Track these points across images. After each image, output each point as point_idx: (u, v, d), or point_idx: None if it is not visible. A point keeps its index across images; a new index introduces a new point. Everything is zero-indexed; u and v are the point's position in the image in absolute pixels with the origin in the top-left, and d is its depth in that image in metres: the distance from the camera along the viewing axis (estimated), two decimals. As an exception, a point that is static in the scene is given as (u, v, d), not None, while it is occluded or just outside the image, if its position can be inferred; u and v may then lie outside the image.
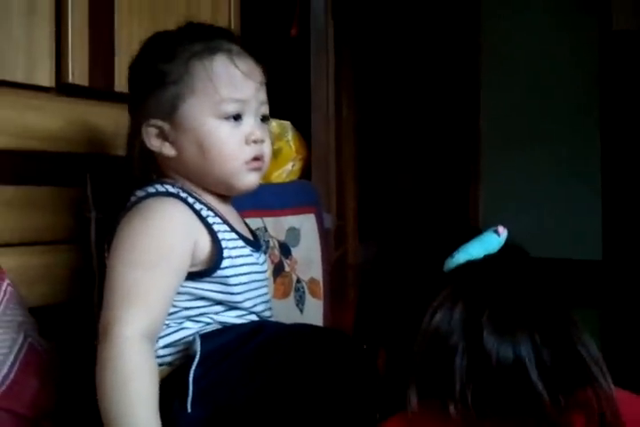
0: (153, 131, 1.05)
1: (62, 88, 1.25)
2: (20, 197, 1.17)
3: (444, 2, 4.14)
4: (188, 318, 1.02)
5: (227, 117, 1.04)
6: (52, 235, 1.21)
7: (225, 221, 1.06)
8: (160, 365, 0.98)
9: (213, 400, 0.95)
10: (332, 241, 2.44)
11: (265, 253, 1.24)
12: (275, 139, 1.62)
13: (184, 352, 1.00)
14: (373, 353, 1.00)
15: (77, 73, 1.25)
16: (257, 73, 1.07)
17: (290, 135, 1.83)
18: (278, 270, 1.60)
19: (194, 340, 0.98)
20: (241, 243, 1.07)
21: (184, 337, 1.01)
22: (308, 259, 1.70)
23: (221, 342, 0.99)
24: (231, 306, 1.04)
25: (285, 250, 1.63)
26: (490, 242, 0.86)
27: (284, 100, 1.43)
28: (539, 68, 3.82)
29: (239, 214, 1.16)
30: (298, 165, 1.84)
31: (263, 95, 1.09)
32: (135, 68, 1.09)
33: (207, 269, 1.02)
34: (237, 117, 1.05)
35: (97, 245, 1.17)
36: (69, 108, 1.26)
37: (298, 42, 2.76)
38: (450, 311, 0.80)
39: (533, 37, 3.83)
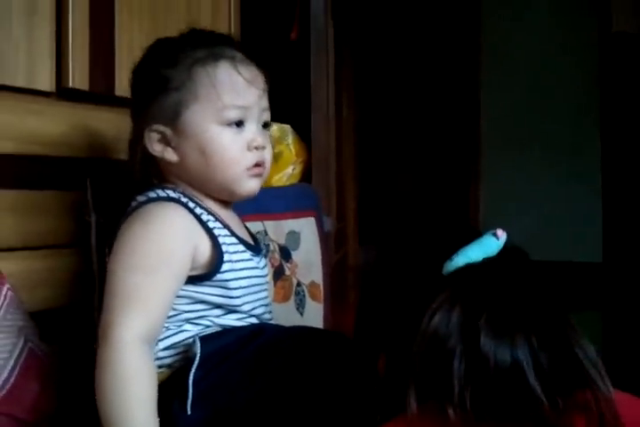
0: (155, 136, 1.05)
1: (63, 92, 1.25)
2: (21, 202, 1.17)
3: (444, 2, 4.14)
4: (188, 321, 1.02)
5: (229, 124, 1.05)
6: (53, 239, 1.22)
7: (225, 226, 1.07)
8: (160, 367, 0.99)
9: (213, 403, 0.96)
10: (332, 244, 2.44)
11: (265, 256, 1.24)
12: (275, 142, 1.63)
13: (184, 354, 1.00)
14: (374, 356, 1.00)
15: (78, 77, 1.25)
16: (259, 80, 1.08)
17: (290, 139, 1.84)
18: (279, 274, 1.60)
19: (194, 342, 0.99)
20: (241, 247, 1.08)
21: (184, 339, 1.01)
22: (309, 262, 1.70)
23: (221, 344, 0.99)
24: (230, 309, 1.04)
25: (286, 254, 1.63)
26: (489, 245, 0.86)
27: (284, 101, 1.43)
28: (539, 68, 3.82)
29: (240, 219, 1.16)
30: (298, 169, 1.84)
31: (265, 102, 1.09)
32: (138, 73, 1.10)
33: (207, 273, 1.02)
34: (240, 124, 1.05)
35: (97, 249, 1.17)
36: (70, 113, 1.26)
37: (297, 42, 2.75)
38: (448, 314, 0.80)
39: (533, 37, 3.83)
